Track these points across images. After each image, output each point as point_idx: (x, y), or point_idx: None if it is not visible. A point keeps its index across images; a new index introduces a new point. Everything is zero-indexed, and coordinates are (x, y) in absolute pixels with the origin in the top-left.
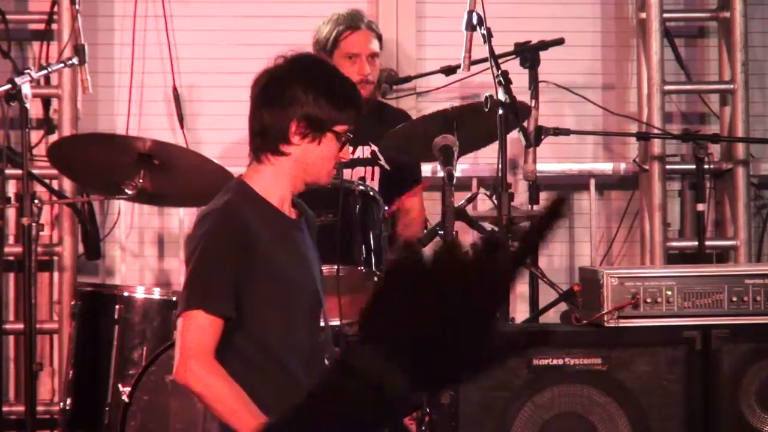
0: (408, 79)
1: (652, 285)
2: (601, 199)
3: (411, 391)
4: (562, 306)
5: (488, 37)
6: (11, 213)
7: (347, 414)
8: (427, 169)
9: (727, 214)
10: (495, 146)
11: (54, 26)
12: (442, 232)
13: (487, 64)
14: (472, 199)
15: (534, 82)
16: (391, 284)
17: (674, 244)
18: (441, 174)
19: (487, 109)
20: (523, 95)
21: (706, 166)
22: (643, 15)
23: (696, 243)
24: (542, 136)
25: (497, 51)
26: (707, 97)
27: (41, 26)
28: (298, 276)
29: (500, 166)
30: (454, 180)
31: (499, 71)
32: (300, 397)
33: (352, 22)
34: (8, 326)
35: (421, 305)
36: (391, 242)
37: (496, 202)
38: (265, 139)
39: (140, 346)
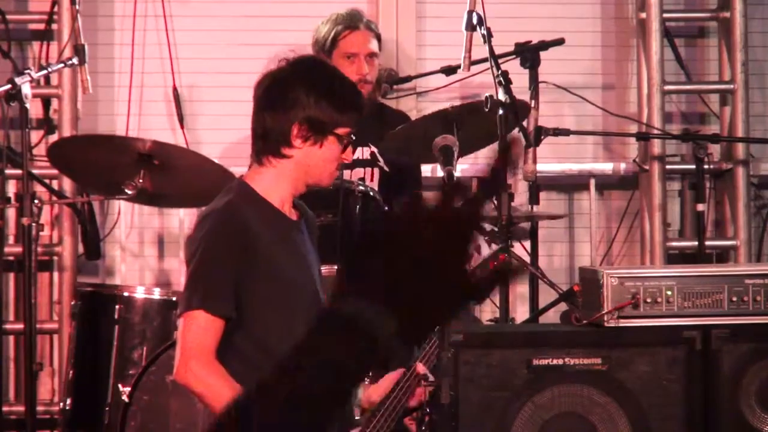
0: (408, 79)
1: (652, 285)
2: (601, 199)
3: (399, 336)
4: (562, 306)
5: (488, 37)
6: (11, 213)
7: (339, 362)
8: (427, 169)
9: (727, 214)
10: (495, 147)
11: (54, 26)
12: None
13: (487, 64)
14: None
15: (534, 82)
16: (366, 240)
17: (674, 244)
18: (441, 174)
19: (487, 109)
20: (523, 95)
21: (706, 166)
22: (643, 15)
23: (696, 243)
24: (542, 136)
25: (497, 51)
26: (707, 97)
27: (41, 26)
28: (298, 276)
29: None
30: (454, 180)
31: (499, 71)
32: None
33: (350, 21)
34: (8, 326)
35: (395, 254)
36: None
37: (496, 202)
38: (267, 142)
39: (140, 346)
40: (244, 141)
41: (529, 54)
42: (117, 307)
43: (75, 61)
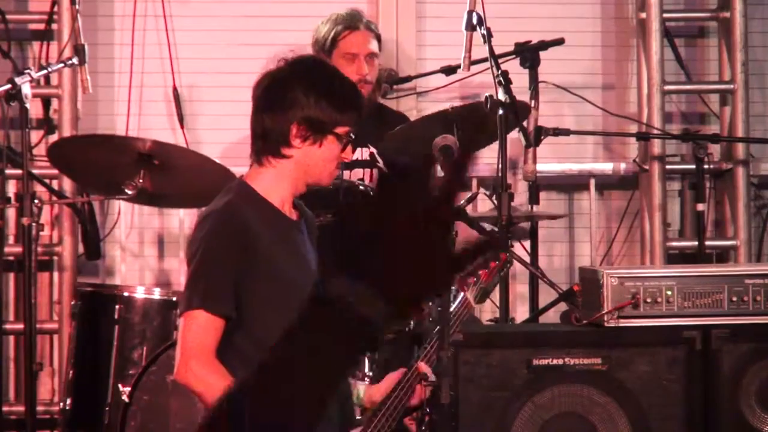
0: (408, 79)
1: (652, 285)
2: (601, 199)
3: (387, 314)
4: (562, 306)
5: (488, 37)
6: (11, 213)
7: (329, 347)
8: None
9: (727, 214)
10: (495, 146)
11: (54, 26)
12: None
13: (487, 64)
14: (472, 199)
15: (534, 82)
16: (344, 223)
17: (674, 244)
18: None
19: (487, 109)
20: (523, 95)
21: (706, 166)
22: (643, 15)
23: (696, 243)
24: (542, 136)
25: (497, 51)
26: (707, 97)
27: (41, 26)
28: (298, 276)
29: (500, 166)
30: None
31: (499, 71)
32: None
33: (350, 22)
34: (8, 326)
35: (373, 233)
36: None
37: (496, 202)
38: (267, 142)
39: (140, 346)
40: (244, 141)
41: (528, 54)
42: (117, 307)
43: (75, 61)
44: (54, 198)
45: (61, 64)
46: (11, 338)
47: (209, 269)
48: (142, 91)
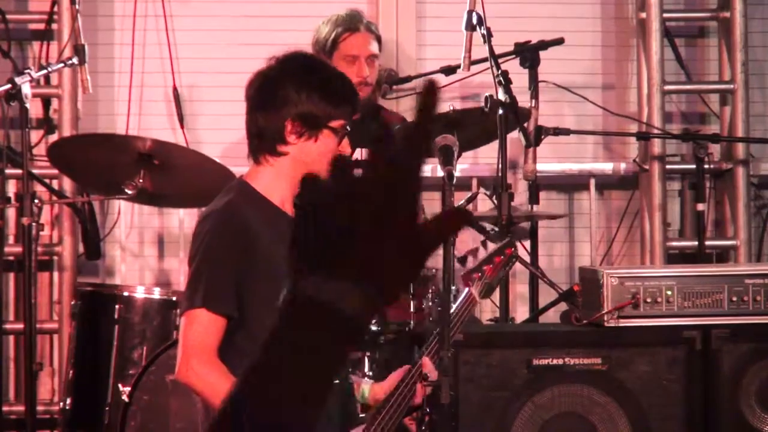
0: (408, 79)
1: (652, 285)
2: (601, 199)
3: (366, 304)
4: (562, 306)
5: (488, 37)
6: (11, 213)
7: (313, 347)
8: (426, 169)
9: (727, 214)
10: (495, 146)
11: (54, 26)
12: None
13: (487, 64)
14: (472, 199)
15: (534, 82)
16: (308, 217)
17: (674, 244)
18: (441, 174)
19: (487, 109)
20: (523, 95)
21: (706, 166)
22: (643, 15)
23: (696, 243)
24: (542, 136)
25: (497, 51)
26: (707, 97)
27: (41, 26)
28: None
29: (500, 166)
30: (454, 180)
31: (499, 71)
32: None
33: (351, 23)
34: (8, 326)
35: (339, 223)
36: None
37: (496, 202)
38: (263, 141)
39: (140, 346)
40: (244, 141)
41: (528, 54)
42: (117, 307)
43: (75, 60)
44: (54, 198)
45: (61, 64)
46: (11, 338)
47: (210, 269)
48: (142, 91)
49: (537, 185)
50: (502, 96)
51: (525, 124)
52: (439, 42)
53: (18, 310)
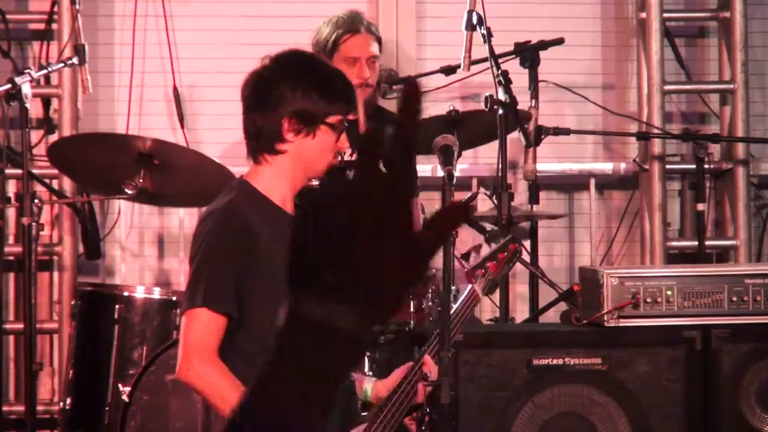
0: (408, 79)
1: (652, 285)
2: (601, 199)
3: (364, 322)
4: (562, 306)
5: (488, 37)
6: (11, 213)
7: (315, 368)
8: (427, 168)
9: (727, 214)
10: (495, 146)
11: (54, 26)
12: None
13: (487, 64)
14: (472, 199)
15: (534, 82)
16: (308, 219)
17: (674, 243)
18: (441, 174)
19: (487, 109)
20: (523, 95)
21: (706, 166)
22: (643, 15)
23: (696, 243)
24: (542, 136)
25: (497, 51)
26: (707, 97)
27: (41, 26)
28: None
29: (500, 166)
30: (454, 180)
31: (499, 71)
32: (261, 369)
33: (352, 25)
34: (8, 326)
35: (332, 241)
36: None
37: (496, 202)
38: (261, 141)
39: (140, 346)
40: (243, 141)
41: (528, 54)
42: (117, 306)
43: (75, 60)
44: (54, 198)
45: (61, 64)
46: (11, 338)
47: (211, 268)
48: (143, 91)
49: (537, 185)
50: (502, 96)
51: (525, 125)
52: (439, 42)
53: (18, 310)
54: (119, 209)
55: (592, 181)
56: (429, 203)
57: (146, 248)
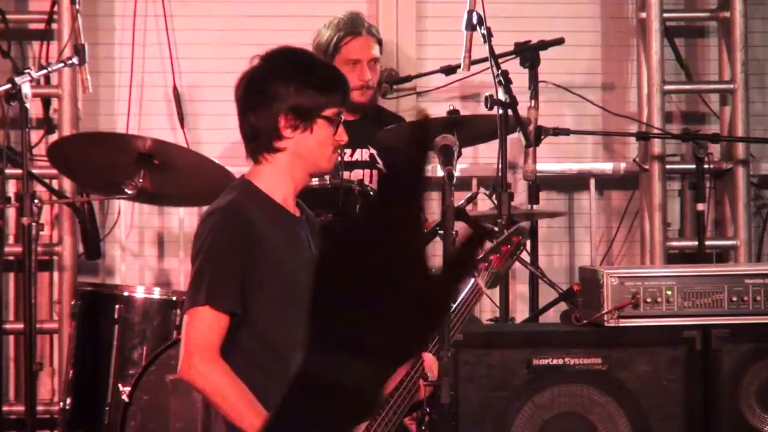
0: (408, 78)
1: (652, 285)
2: (601, 199)
3: (376, 375)
4: (562, 306)
5: (488, 37)
6: (11, 213)
7: (324, 421)
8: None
9: (727, 213)
10: (495, 146)
11: (54, 26)
12: (442, 231)
13: (487, 64)
14: (472, 199)
15: (534, 82)
16: (318, 283)
17: (674, 243)
18: (441, 174)
19: (487, 109)
20: (523, 95)
21: (706, 166)
22: (643, 15)
23: (696, 243)
24: (542, 136)
25: (497, 51)
26: (707, 97)
27: (41, 26)
28: (301, 274)
29: (500, 166)
30: (454, 180)
31: (499, 71)
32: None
33: (353, 27)
34: (8, 326)
35: (349, 284)
36: None
37: (496, 201)
38: (259, 141)
39: (140, 345)
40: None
41: (528, 54)
42: (117, 306)
43: (75, 60)
44: (54, 198)
45: (61, 64)
46: (11, 338)
47: (214, 266)
48: (143, 91)
49: (537, 185)
50: (502, 96)
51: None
52: (439, 42)
53: (18, 310)
54: (119, 209)
55: (592, 181)
56: (429, 203)
57: (146, 248)
